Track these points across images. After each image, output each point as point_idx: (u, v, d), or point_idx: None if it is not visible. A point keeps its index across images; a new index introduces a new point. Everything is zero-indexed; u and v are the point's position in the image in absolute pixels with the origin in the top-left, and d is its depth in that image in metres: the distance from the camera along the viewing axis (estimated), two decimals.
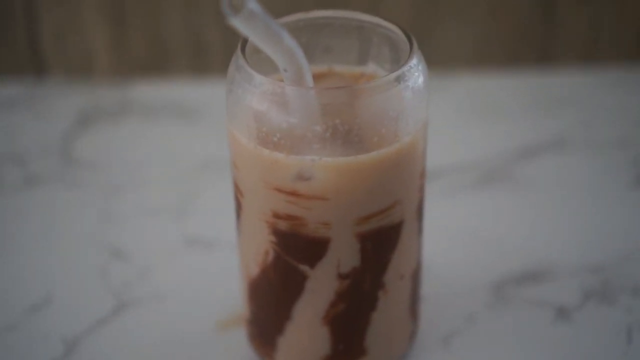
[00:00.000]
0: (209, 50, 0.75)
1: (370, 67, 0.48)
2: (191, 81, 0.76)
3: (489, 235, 0.61)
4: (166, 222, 0.62)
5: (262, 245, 0.47)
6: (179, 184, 0.66)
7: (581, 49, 0.75)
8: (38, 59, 0.75)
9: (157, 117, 0.73)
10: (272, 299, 0.48)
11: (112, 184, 0.66)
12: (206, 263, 0.59)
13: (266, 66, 0.45)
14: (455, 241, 0.60)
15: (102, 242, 0.61)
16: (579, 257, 0.59)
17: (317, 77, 0.47)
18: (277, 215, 0.45)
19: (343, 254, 0.45)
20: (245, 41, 0.45)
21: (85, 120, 0.72)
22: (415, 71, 0.44)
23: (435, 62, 0.75)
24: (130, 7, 0.74)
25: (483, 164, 0.67)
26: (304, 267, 0.46)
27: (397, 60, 0.47)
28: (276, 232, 0.45)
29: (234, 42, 0.75)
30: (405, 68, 0.43)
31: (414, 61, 0.44)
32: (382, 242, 0.46)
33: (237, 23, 0.39)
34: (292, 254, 0.46)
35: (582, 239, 0.60)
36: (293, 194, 0.44)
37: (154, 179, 0.67)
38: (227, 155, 0.66)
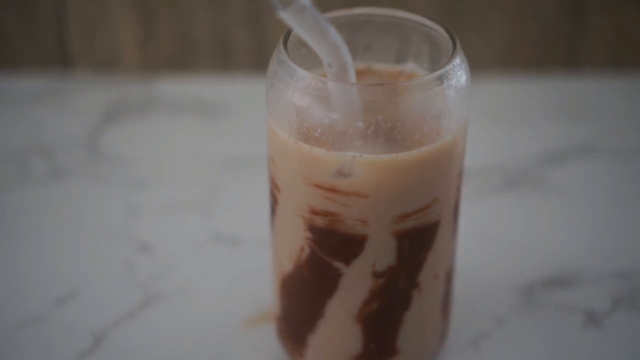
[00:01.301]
0: (235, 48, 0.75)
1: (409, 66, 0.48)
2: (217, 78, 0.76)
3: (516, 239, 0.60)
4: (192, 218, 0.62)
5: (297, 241, 0.46)
6: (205, 179, 0.66)
7: (609, 54, 0.75)
8: (66, 53, 0.75)
9: (183, 113, 0.73)
10: (304, 296, 0.48)
11: (138, 178, 0.66)
12: (232, 259, 0.59)
13: (307, 62, 0.45)
14: (483, 244, 0.60)
15: (129, 236, 0.61)
16: (607, 262, 0.58)
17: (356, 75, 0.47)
18: (314, 212, 0.45)
19: (379, 252, 0.45)
20: (287, 35, 0.45)
21: (112, 115, 0.72)
22: (459, 70, 0.44)
23: None
24: (158, 3, 0.74)
25: (510, 168, 0.67)
26: (339, 265, 0.46)
27: (437, 60, 0.47)
28: (312, 228, 0.45)
29: (261, 40, 0.75)
30: (449, 67, 0.43)
31: (457, 60, 0.44)
32: (419, 241, 0.46)
33: (287, 16, 0.39)
34: (327, 250, 0.46)
35: (610, 244, 0.60)
36: (332, 190, 0.44)
37: (179, 174, 0.67)
38: (252, 152, 0.66)
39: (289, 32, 0.45)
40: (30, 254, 0.59)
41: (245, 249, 0.60)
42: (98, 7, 0.74)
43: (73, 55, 0.75)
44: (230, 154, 0.68)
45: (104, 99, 0.74)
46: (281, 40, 0.44)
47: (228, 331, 0.54)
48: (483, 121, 0.72)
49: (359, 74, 0.48)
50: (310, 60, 0.44)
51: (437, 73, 0.43)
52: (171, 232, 0.61)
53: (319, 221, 0.45)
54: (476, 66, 0.75)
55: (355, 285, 0.46)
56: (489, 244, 0.60)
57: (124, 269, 0.58)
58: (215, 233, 0.61)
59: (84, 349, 0.53)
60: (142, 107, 0.73)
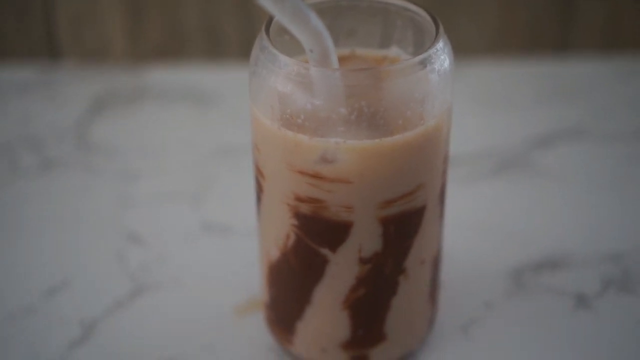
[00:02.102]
0: (224, 36, 0.75)
1: (393, 51, 0.48)
2: (206, 67, 0.76)
3: (506, 223, 0.60)
4: (183, 207, 0.62)
5: (283, 228, 0.46)
6: (195, 169, 0.66)
7: (599, 37, 0.75)
8: (54, 43, 0.75)
9: (172, 103, 0.72)
10: (292, 283, 0.48)
11: (128, 168, 0.66)
12: (223, 248, 0.59)
13: (289, 49, 0.44)
14: (473, 229, 0.60)
15: (119, 227, 0.61)
16: (597, 245, 0.58)
17: (339, 60, 0.46)
18: (299, 198, 0.45)
19: (365, 238, 0.45)
20: (269, 22, 0.44)
21: (100, 105, 0.72)
22: (442, 54, 0.43)
23: (452, 50, 0.74)
24: None
25: (500, 152, 0.67)
26: (325, 251, 0.46)
27: (421, 44, 0.46)
28: (298, 215, 0.45)
29: (249, 28, 0.75)
30: (432, 51, 0.43)
31: (440, 44, 0.43)
32: (405, 226, 0.46)
33: (266, 3, 0.39)
34: (313, 237, 0.46)
35: (601, 227, 0.60)
36: (316, 176, 0.44)
37: (169, 164, 0.66)
38: (242, 141, 0.66)
39: (271, 18, 0.45)
40: (20, 245, 0.59)
41: (236, 238, 0.60)
42: None
43: (62, 45, 0.75)
44: (221, 142, 0.68)
45: (93, 90, 0.73)
46: (263, 27, 0.44)
47: (218, 320, 0.54)
48: (473, 106, 0.71)
49: (343, 59, 0.47)
50: (293, 48, 0.44)
51: (420, 57, 0.43)
52: (162, 222, 0.61)
53: (304, 208, 0.45)
54: (466, 50, 0.75)
55: (341, 271, 0.46)
56: (479, 228, 0.60)
57: (114, 259, 0.58)
58: (206, 222, 0.61)
59: (74, 339, 0.53)
60: (132, 97, 0.73)
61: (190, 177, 0.65)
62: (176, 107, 0.72)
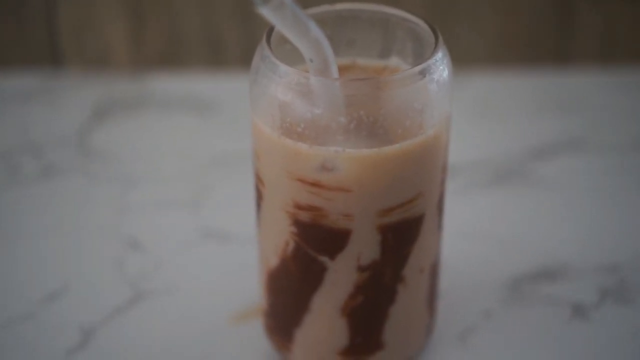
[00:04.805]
0: (225, 44, 0.75)
1: (393, 61, 0.48)
2: (207, 75, 0.76)
3: (504, 233, 0.61)
4: (182, 215, 0.63)
5: (282, 235, 0.47)
6: (195, 176, 0.66)
7: (597, 49, 0.75)
8: (56, 50, 0.75)
9: (174, 110, 0.73)
10: (290, 290, 0.48)
11: (128, 175, 0.66)
12: (221, 255, 0.59)
13: (290, 58, 0.45)
14: (471, 238, 0.60)
15: (118, 233, 0.61)
16: (594, 256, 0.59)
17: (340, 70, 0.47)
18: (298, 206, 0.45)
19: (364, 246, 0.45)
20: (270, 31, 0.45)
21: (102, 113, 0.72)
22: (441, 64, 0.44)
23: (452, 60, 0.75)
24: (148, 0, 0.74)
25: (498, 162, 0.67)
26: (323, 259, 0.46)
27: (421, 55, 0.47)
28: (297, 222, 0.45)
29: (251, 36, 0.75)
30: (431, 61, 0.43)
31: (439, 54, 0.44)
32: (403, 235, 0.46)
33: (267, 12, 0.39)
34: (312, 245, 0.46)
35: (598, 238, 0.60)
36: (315, 184, 0.44)
37: (169, 171, 0.67)
38: (242, 148, 0.66)
39: (272, 27, 0.45)
40: (20, 251, 0.60)
41: (235, 245, 0.60)
42: (88, 5, 0.74)
43: (63, 52, 0.76)
44: (221, 150, 0.68)
45: (94, 97, 0.74)
46: (264, 36, 0.45)
47: (217, 328, 0.54)
48: (473, 115, 0.72)
49: (344, 69, 0.48)
50: (294, 57, 0.44)
51: (419, 67, 0.43)
52: (161, 229, 0.61)
53: (303, 216, 0.45)
54: (466, 60, 0.76)
55: (340, 279, 0.46)
56: (477, 238, 0.60)
57: (113, 266, 0.58)
58: (205, 229, 0.61)
59: (73, 346, 0.53)
60: (133, 104, 0.73)
61: (189, 185, 0.65)
62: (177, 114, 0.72)
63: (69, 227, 0.62)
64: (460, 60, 0.76)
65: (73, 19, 0.74)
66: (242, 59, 0.75)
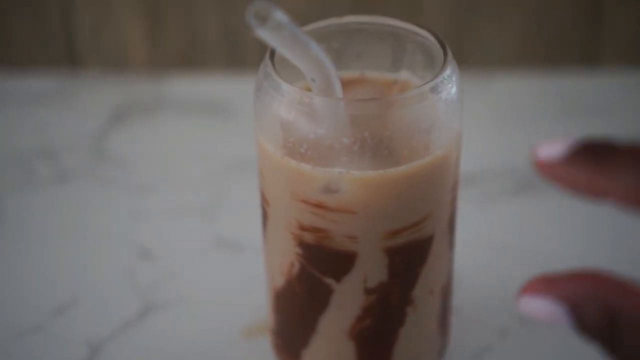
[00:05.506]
0: (244, 46, 0.74)
1: (404, 74, 0.47)
2: (226, 77, 0.75)
3: (523, 246, 0.59)
4: (195, 223, 0.62)
5: (287, 256, 0.45)
6: (210, 183, 0.65)
7: (627, 50, 0.73)
8: (73, 52, 0.75)
9: (191, 113, 0.72)
10: (297, 311, 0.47)
11: (143, 181, 0.65)
12: (234, 266, 0.58)
13: (297, 74, 0.43)
14: (489, 251, 0.58)
15: (130, 242, 0.60)
16: (618, 271, 0.57)
17: (348, 83, 0.46)
18: (302, 227, 0.44)
19: (370, 269, 0.44)
20: (274, 49, 0.43)
21: (119, 115, 0.71)
22: (449, 82, 0.42)
23: (475, 62, 0.73)
24: (166, 1, 0.73)
25: (521, 169, 0.65)
26: (329, 281, 0.45)
27: (432, 67, 0.45)
28: (302, 244, 0.44)
29: None
30: (438, 79, 0.42)
31: (447, 72, 0.42)
32: (411, 256, 0.44)
33: (263, 34, 0.38)
34: (317, 267, 0.45)
35: (622, 252, 0.58)
36: (319, 206, 0.42)
37: (185, 177, 0.66)
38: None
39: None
40: (32, 258, 0.59)
41: (249, 255, 0.59)
42: (106, 6, 0.73)
43: (81, 54, 0.75)
44: (238, 155, 0.67)
45: (112, 99, 0.73)
46: (268, 53, 0.43)
47: (227, 342, 0.53)
48: (494, 120, 0.70)
49: (352, 82, 0.46)
50: (298, 74, 0.43)
51: (426, 87, 0.41)
52: (174, 237, 0.61)
53: (308, 237, 0.44)
54: (491, 63, 0.74)
55: (346, 301, 0.45)
56: (496, 251, 0.58)
57: (124, 276, 0.58)
58: (219, 238, 0.60)
59: None
60: (151, 106, 0.72)
61: (204, 192, 0.64)
62: (194, 117, 0.71)
63: (80, 234, 0.61)
64: (485, 61, 0.74)
65: (91, 20, 0.73)
66: (262, 61, 0.74)
